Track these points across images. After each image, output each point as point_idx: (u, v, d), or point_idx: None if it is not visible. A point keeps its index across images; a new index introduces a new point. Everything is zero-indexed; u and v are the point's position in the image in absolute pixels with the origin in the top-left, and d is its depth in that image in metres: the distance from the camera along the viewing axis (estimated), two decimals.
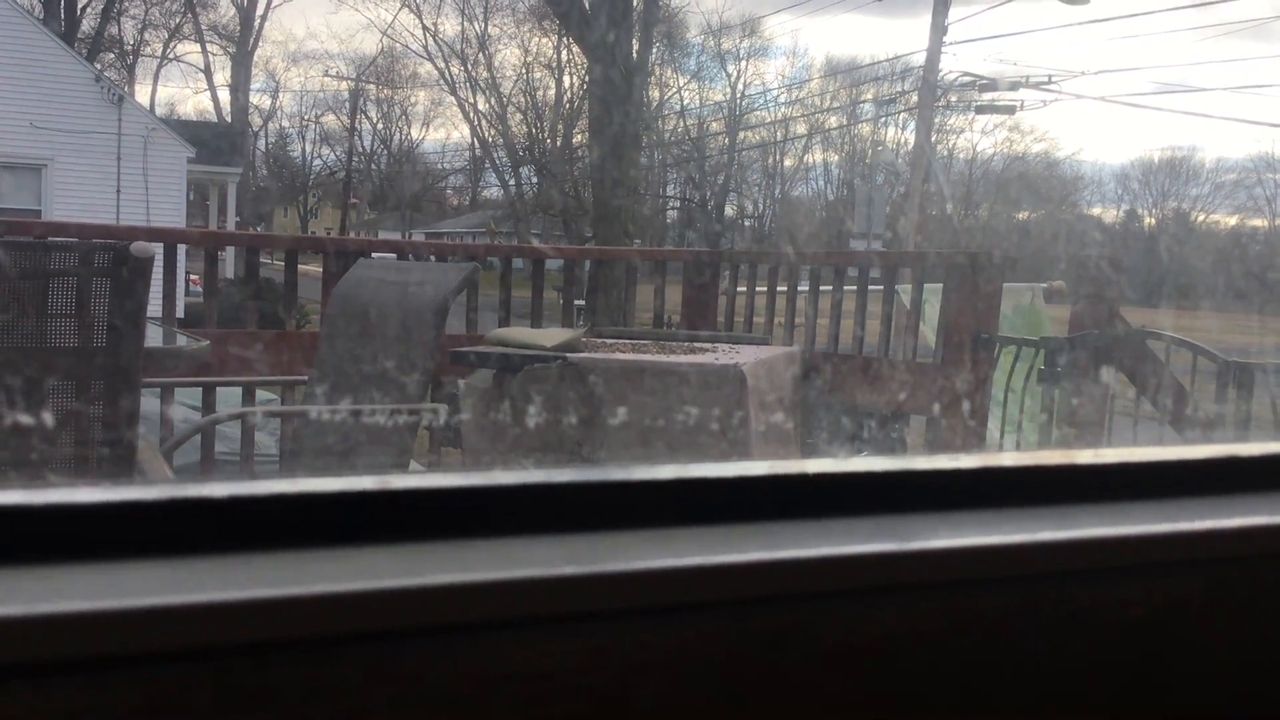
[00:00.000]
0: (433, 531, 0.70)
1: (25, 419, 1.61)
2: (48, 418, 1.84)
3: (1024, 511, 0.86)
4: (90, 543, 0.62)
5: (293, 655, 0.61)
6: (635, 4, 15.86)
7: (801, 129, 23.44)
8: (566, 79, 22.15)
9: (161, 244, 5.01)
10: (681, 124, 22.64)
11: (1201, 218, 21.96)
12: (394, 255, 5.79)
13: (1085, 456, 0.94)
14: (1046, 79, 16.97)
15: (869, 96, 22.39)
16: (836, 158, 23.74)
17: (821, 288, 5.74)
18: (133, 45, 21.40)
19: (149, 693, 0.58)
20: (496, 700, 0.66)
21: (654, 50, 19.77)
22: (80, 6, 19.74)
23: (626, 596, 0.69)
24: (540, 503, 0.75)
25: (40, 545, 0.61)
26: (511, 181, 23.53)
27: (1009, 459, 0.93)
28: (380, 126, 24.87)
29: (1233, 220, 21.59)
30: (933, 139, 18.91)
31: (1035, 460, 0.95)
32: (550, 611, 0.67)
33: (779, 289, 6.02)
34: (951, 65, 17.33)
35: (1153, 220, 22.62)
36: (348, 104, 24.08)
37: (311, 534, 0.67)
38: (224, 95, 22.47)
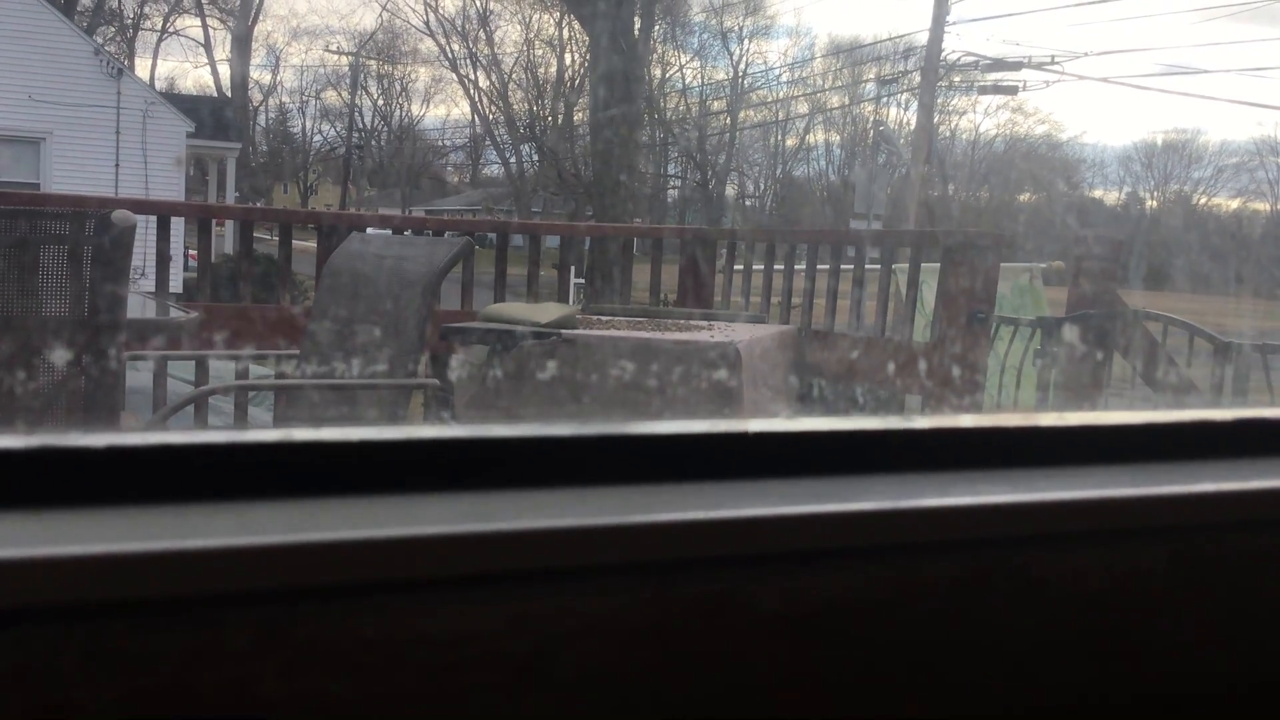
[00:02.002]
0: (334, 487, 0.65)
1: (2, 387, 1.60)
2: (26, 386, 1.83)
3: (978, 474, 0.82)
4: None
5: (172, 617, 0.56)
6: None
7: (803, 108, 23.36)
8: (568, 56, 22.05)
9: (155, 217, 5.00)
10: (683, 103, 22.56)
11: (1204, 201, 21.90)
12: (389, 230, 5.78)
13: (1048, 419, 0.90)
14: (1050, 59, 16.89)
15: (871, 76, 22.29)
16: (838, 138, 23.66)
17: (819, 267, 5.72)
18: (133, 19, 21.30)
19: (13, 654, 0.54)
20: (401, 668, 0.61)
21: (656, 28, 19.68)
22: None
23: (543, 556, 0.64)
24: (453, 459, 0.69)
25: None
26: (512, 159, 23.45)
27: (966, 420, 0.89)
28: (381, 103, 24.77)
29: (1235, 203, 21.52)
30: (935, 120, 18.84)
31: (993, 422, 0.91)
32: (460, 572, 0.62)
33: (776, 268, 6.00)
34: (954, 45, 17.26)
35: (1155, 203, 22.56)
36: (348, 80, 23.99)
37: (198, 488, 0.62)
38: (224, 70, 22.37)
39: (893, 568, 0.75)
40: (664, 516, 0.68)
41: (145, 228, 4.30)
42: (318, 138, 25.55)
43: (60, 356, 1.88)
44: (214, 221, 5.57)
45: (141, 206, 5.79)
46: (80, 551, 0.55)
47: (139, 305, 3.10)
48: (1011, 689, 0.81)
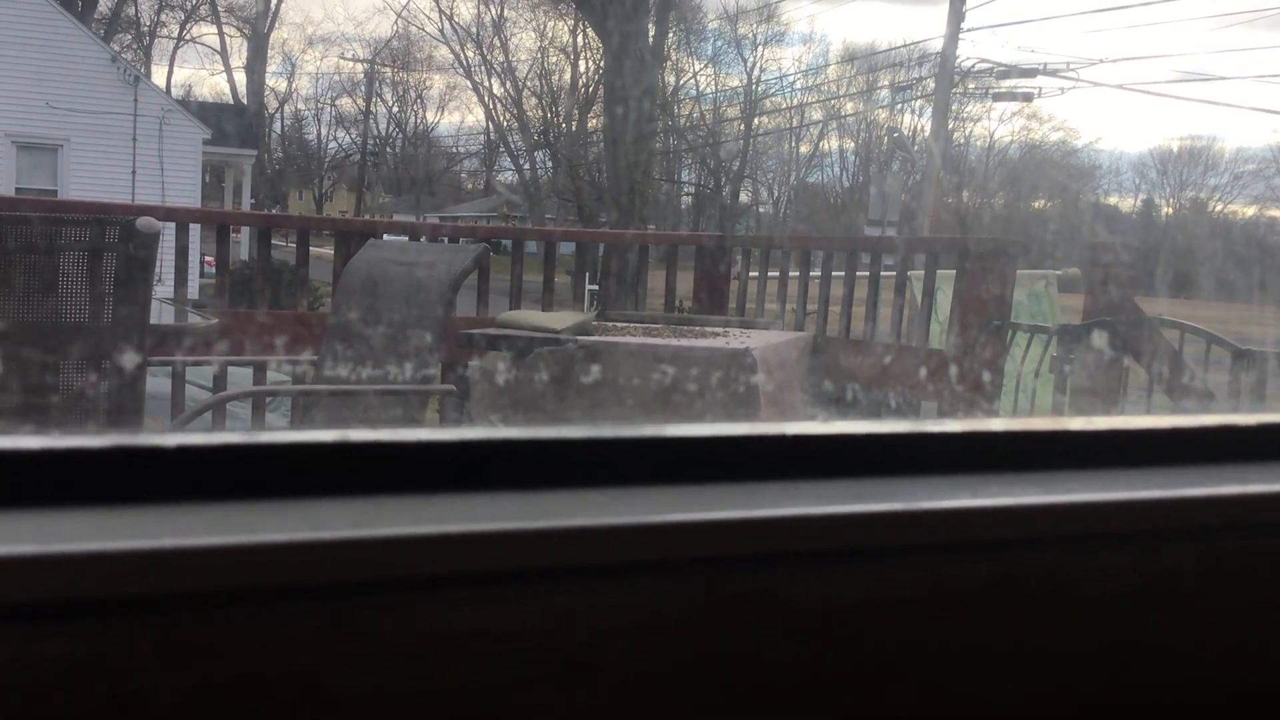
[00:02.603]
0: (392, 486, 0.67)
1: (30, 390, 1.61)
2: (53, 389, 1.84)
3: (1010, 477, 0.83)
4: (30, 489, 0.60)
5: (242, 608, 0.58)
6: None
7: (818, 115, 23.36)
8: (582, 63, 22.10)
9: (174, 224, 5.03)
10: (697, 109, 22.58)
11: (1220, 208, 21.81)
12: (405, 237, 5.80)
13: (1076, 423, 0.91)
14: (1065, 66, 16.86)
15: (886, 83, 22.27)
16: (853, 145, 23.64)
17: (834, 273, 5.72)
18: (149, 26, 21.42)
19: (90, 643, 0.56)
20: (457, 660, 0.63)
21: (670, 35, 19.71)
22: None
23: (592, 554, 0.66)
24: (505, 459, 0.72)
25: None
26: (526, 166, 23.50)
27: (996, 424, 0.90)
28: (396, 110, 24.86)
29: (1251, 210, 21.43)
30: (950, 126, 18.82)
31: (1023, 426, 0.92)
32: (515, 568, 0.64)
33: (791, 274, 6.00)
34: (969, 52, 17.23)
35: (1170, 210, 22.48)
36: (363, 87, 24.09)
37: (265, 485, 0.64)
38: (240, 78, 22.48)
39: (926, 568, 0.76)
40: (706, 515, 0.69)
41: (163, 234, 4.32)
42: (333, 145, 25.66)
43: (83, 361, 1.89)
44: (231, 228, 5.60)
45: (159, 213, 5.82)
46: (152, 545, 0.56)
47: (156, 311, 3.12)
48: (1042, 689, 0.82)
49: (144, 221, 1.88)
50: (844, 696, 0.75)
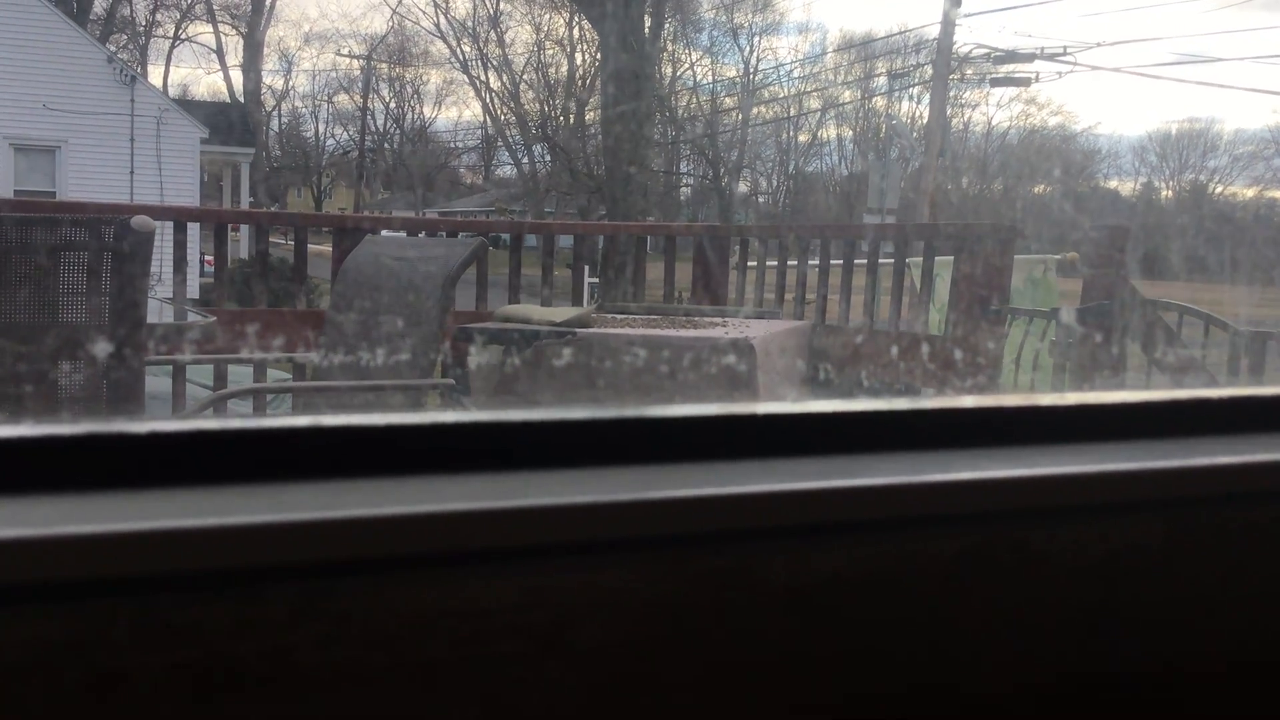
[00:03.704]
0: (364, 469, 0.68)
1: (28, 389, 1.62)
2: (49, 388, 1.85)
3: (980, 452, 0.84)
4: (7, 476, 0.61)
5: (217, 590, 0.60)
6: None
7: (815, 104, 23.32)
8: (579, 56, 22.07)
9: (172, 223, 5.04)
10: (694, 100, 22.55)
11: (1219, 190, 21.77)
12: (403, 232, 5.80)
13: (1046, 399, 0.92)
14: (1062, 50, 16.82)
15: (882, 70, 22.23)
16: (850, 133, 23.60)
17: (832, 262, 5.73)
18: (145, 26, 21.38)
19: (67, 625, 0.57)
20: (430, 639, 0.64)
21: (666, 26, 19.68)
22: None
23: (564, 531, 0.67)
24: (475, 441, 0.73)
25: None
26: (524, 159, 23.48)
27: (968, 401, 0.91)
28: (393, 105, 24.83)
29: (1251, 192, 21.38)
30: (947, 113, 18.78)
31: (994, 402, 0.93)
32: (484, 547, 0.65)
33: (789, 263, 6.00)
34: (966, 38, 17.20)
35: (1170, 193, 22.44)
36: (360, 84, 24.06)
37: (238, 470, 0.65)
38: (236, 76, 22.45)
39: (897, 542, 0.77)
40: (676, 493, 0.70)
41: (161, 234, 4.33)
42: (331, 142, 25.63)
43: (81, 361, 1.90)
44: (230, 227, 5.61)
45: (157, 212, 5.83)
46: (128, 528, 0.57)
47: (156, 310, 3.13)
48: (1013, 660, 0.83)
49: (138, 220, 1.88)
50: (818, 671, 0.76)
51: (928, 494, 0.77)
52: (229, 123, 18.64)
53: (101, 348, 1.84)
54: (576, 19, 20.71)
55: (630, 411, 0.76)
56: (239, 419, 0.69)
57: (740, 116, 22.83)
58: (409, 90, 24.50)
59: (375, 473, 0.68)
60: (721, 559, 0.72)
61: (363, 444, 0.69)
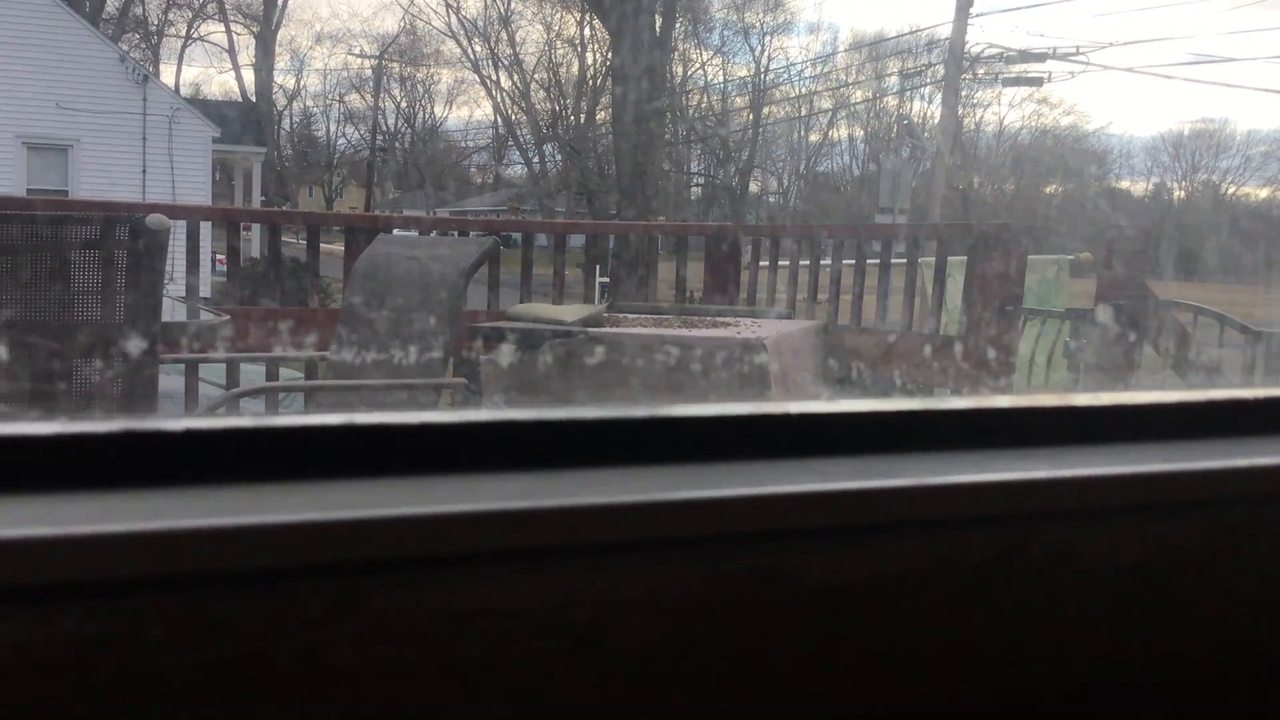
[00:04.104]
0: (398, 467, 0.68)
1: (43, 387, 1.62)
2: (67, 386, 1.85)
3: (1016, 452, 0.83)
4: (40, 474, 0.61)
5: (252, 588, 0.60)
6: None
7: (826, 104, 23.28)
8: (590, 56, 22.08)
9: (185, 222, 5.05)
10: (705, 100, 22.55)
11: (1232, 190, 21.68)
12: (415, 231, 5.81)
13: (1082, 399, 0.91)
14: (1075, 50, 16.77)
15: (894, 70, 22.19)
16: (862, 132, 23.57)
17: (845, 262, 5.72)
18: (157, 25, 21.44)
19: (102, 624, 0.57)
20: (465, 637, 0.64)
21: (677, 25, 19.68)
22: None
23: (598, 531, 0.67)
24: (510, 440, 0.72)
25: None
26: (535, 159, 23.50)
27: (1003, 401, 0.90)
28: (404, 105, 24.87)
29: (1264, 193, 21.30)
30: (960, 112, 18.75)
31: (1030, 402, 0.92)
32: (520, 546, 0.65)
33: (802, 263, 5.99)
34: (978, 37, 17.16)
35: (1183, 193, 22.36)
36: (371, 83, 24.10)
37: (273, 468, 0.65)
38: (248, 75, 22.50)
39: (932, 542, 0.76)
40: (711, 493, 0.70)
41: (173, 232, 4.34)
42: (342, 141, 25.68)
43: (96, 359, 1.90)
44: (242, 225, 5.62)
45: (169, 211, 5.84)
46: (163, 527, 0.57)
47: (170, 309, 3.13)
48: (1048, 662, 0.82)
49: (154, 219, 1.88)
50: (851, 672, 0.76)
51: (964, 495, 0.76)
52: (241, 122, 18.69)
53: (118, 346, 1.84)
54: (588, 18, 20.73)
55: (663, 410, 0.76)
56: (272, 417, 0.68)
57: (751, 116, 22.81)
58: (420, 90, 24.55)
59: (409, 470, 0.68)
60: (756, 559, 0.71)
61: (397, 442, 0.69)
